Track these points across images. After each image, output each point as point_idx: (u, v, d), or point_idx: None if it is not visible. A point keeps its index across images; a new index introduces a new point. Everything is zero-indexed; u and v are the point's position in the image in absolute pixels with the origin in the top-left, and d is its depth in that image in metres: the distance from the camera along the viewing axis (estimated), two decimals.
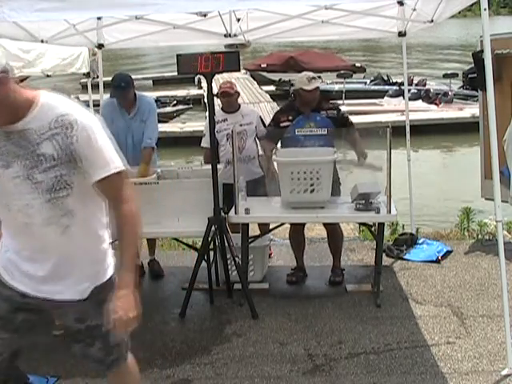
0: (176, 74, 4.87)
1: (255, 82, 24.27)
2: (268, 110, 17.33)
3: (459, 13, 5.60)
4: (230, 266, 5.17)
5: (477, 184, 6.79)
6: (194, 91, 23.40)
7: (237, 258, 4.94)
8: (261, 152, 5.79)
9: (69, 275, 2.64)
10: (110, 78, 5.54)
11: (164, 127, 15.63)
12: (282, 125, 5.35)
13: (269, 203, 5.42)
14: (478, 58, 6.02)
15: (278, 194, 5.36)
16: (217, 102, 5.30)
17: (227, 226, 5.00)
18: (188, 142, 14.97)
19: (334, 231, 5.56)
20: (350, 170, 6.00)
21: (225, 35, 6.20)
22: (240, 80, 24.83)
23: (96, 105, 7.14)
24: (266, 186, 5.71)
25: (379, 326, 4.62)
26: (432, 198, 9.77)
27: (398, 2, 5.78)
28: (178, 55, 4.64)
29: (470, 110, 15.69)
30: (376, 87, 20.26)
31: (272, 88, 23.09)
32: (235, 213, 5.02)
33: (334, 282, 5.48)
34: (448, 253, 6.09)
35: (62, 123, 2.45)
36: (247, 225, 5.11)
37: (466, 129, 14.06)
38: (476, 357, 4.16)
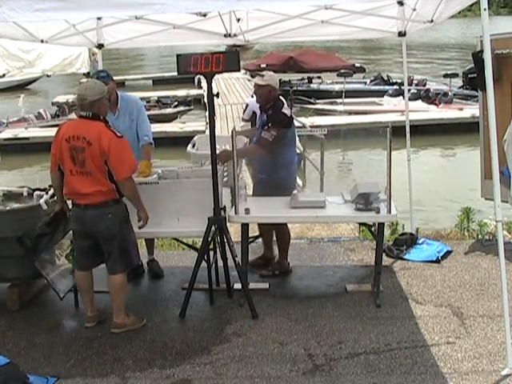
0: (176, 73, 4.86)
1: None
2: None
3: (459, 13, 5.60)
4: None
5: (477, 184, 6.79)
6: (194, 91, 23.37)
7: (237, 258, 4.94)
8: None
9: None
10: None
11: (164, 127, 15.58)
12: None
13: (268, 203, 5.42)
14: (477, 58, 6.02)
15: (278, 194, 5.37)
16: None
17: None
18: (188, 141, 14.91)
19: (280, 230, 5.63)
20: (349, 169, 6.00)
21: (225, 35, 6.21)
22: (240, 80, 24.82)
23: None
24: None
25: (379, 326, 4.62)
26: (432, 198, 9.76)
27: (398, 2, 5.77)
28: (177, 55, 4.63)
29: (470, 110, 15.66)
30: (376, 87, 20.24)
31: None
32: (235, 213, 5.02)
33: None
34: (448, 253, 6.09)
35: None
36: (247, 225, 5.12)
37: (465, 129, 14.05)
38: (476, 357, 4.16)
